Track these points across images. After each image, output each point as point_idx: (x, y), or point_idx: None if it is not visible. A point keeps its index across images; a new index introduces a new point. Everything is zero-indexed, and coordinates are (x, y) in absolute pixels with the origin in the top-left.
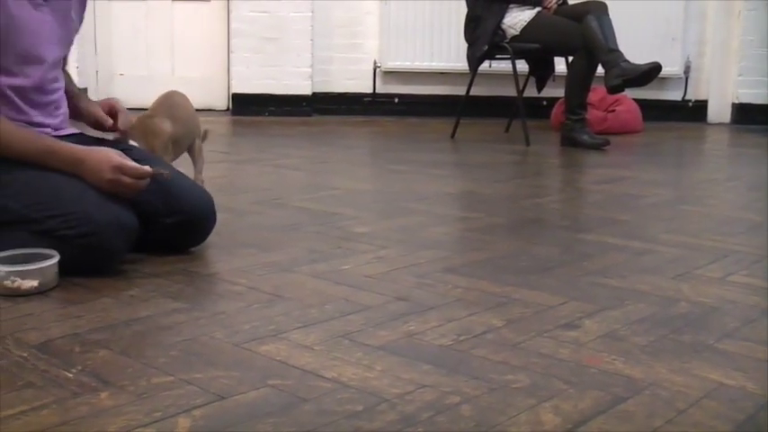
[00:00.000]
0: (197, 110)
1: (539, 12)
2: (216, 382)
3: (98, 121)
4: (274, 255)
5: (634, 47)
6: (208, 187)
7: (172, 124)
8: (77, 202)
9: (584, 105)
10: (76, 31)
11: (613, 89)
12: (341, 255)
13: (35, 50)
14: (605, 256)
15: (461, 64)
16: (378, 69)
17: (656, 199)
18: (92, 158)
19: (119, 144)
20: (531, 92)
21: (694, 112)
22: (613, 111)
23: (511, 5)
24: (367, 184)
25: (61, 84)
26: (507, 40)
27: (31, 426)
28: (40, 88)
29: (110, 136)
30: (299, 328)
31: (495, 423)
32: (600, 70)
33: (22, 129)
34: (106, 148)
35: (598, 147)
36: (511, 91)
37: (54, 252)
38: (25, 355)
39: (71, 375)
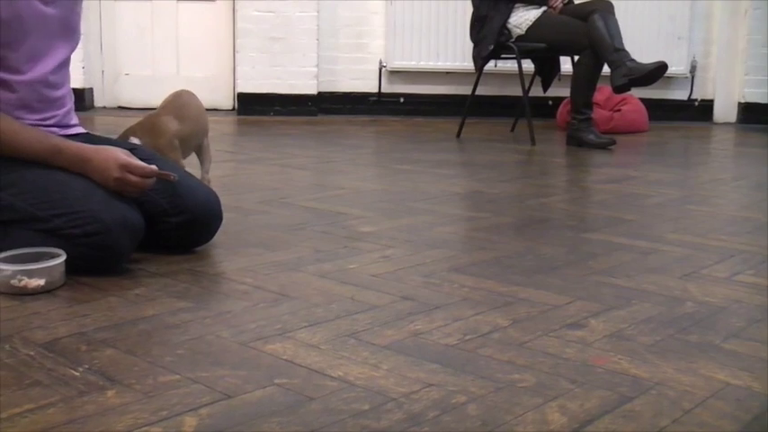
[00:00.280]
0: None
1: (544, 11)
2: (222, 380)
3: None
4: (280, 254)
5: (640, 46)
6: (214, 186)
7: (178, 123)
8: (84, 200)
9: (589, 105)
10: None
11: (619, 88)
12: (347, 254)
13: (43, 47)
14: (611, 255)
15: (467, 63)
16: (383, 69)
17: (662, 198)
18: (98, 157)
19: (125, 143)
20: (536, 91)
21: (700, 111)
22: (619, 110)
23: (516, 5)
24: (373, 183)
25: (68, 80)
26: (513, 40)
27: (37, 424)
28: (47, 84)
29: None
30: (306, 327)
31: (502, 422)
32: (606, 69)
33: (29, 128)
34: (113, 147)
35: (604, 146)
36: (516, 90)
37: (60, 251)
38: (32, 353)
39: (78, 374)
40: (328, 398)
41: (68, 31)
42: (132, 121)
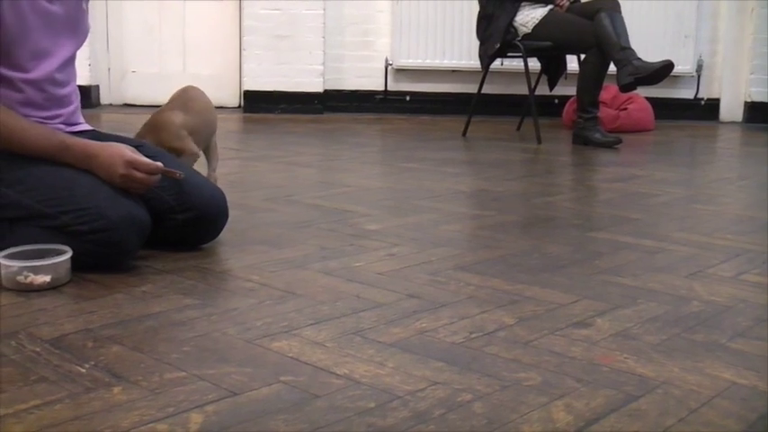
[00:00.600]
0: None
1: (551, 10)
2: (228, 378)
3: None
4: (286, 252)
5: (646, 45)
6: (220, 184)
7: (184, 115)
8: (91, 197)
9: (596, 103)
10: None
11: (625, 87)
12: (353, 252)
13: (48, 45)
14: (617, 254)
15: (473, 62)
16: (389, 67)
17: (668, 197)
18: (105, 153)
19: (131, 140)
20: (542, 90)
21: (706, 110)
22: (625, 109)
23: (523, 3)
24: (379, 181)
25: (74, 78)
26: (519, 38)
27: (44, 420)
28: (53, 82)
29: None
30: (311, 324)
31: (507, 421)
32: (612, 68)
33: (36, 125)
34: (119, 144)
35: (610, 145)
36: (523, 89)
37: (67, 248)
38: (38, 350)
39: (84, 370)
40: (334, 395)
41: (74, 29)
42: (138, 118)
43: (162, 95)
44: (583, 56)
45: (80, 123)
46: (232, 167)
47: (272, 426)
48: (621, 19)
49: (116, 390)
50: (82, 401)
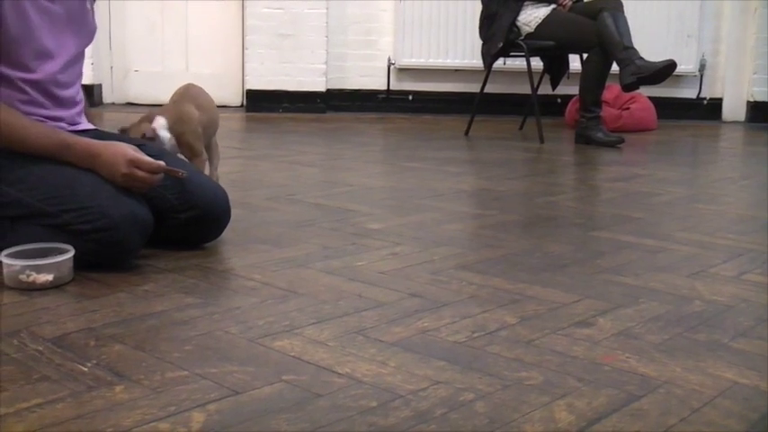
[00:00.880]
0: None
1: (554, 9)
2: (230, 377)
3: None
4: (288, 251)
5: (649, 44)
6: (222, 183)
7: (198, 111)
8: (93, 196)
9: (598, 103)
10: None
11: (628, 87)
12: (355, 251)
13: (51, 46)
14: (619, 253)
15: (476, 61)
16: (392, 66)
17: (670, 197)
18: (107, 152)
19: (133, 140)
20: (545, 89)
21: (709, 110)
22: (628, 108)
23: (526, 2)
24: (381, 180)
25: (79, 79)
26: (522, 38)
27: (46, 419)
28: (56, 82)
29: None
30: (313, 323)
31: (509, 420)
32: (614, 68)
33: (38, 124)
34: (121, 143)
35: (612, 144)
36: (525, 88)
37: (69, 246)
38: (40, 348)
39: (86, 369)
40: (336, 395)
41: (77, 28)
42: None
43: (164, 94)
44: (585, 55)
45: (82, 123)
46: (234, 166)
47: (274, 425)
48: (624, 18)
49: (118, 389)
50: (84, 400)
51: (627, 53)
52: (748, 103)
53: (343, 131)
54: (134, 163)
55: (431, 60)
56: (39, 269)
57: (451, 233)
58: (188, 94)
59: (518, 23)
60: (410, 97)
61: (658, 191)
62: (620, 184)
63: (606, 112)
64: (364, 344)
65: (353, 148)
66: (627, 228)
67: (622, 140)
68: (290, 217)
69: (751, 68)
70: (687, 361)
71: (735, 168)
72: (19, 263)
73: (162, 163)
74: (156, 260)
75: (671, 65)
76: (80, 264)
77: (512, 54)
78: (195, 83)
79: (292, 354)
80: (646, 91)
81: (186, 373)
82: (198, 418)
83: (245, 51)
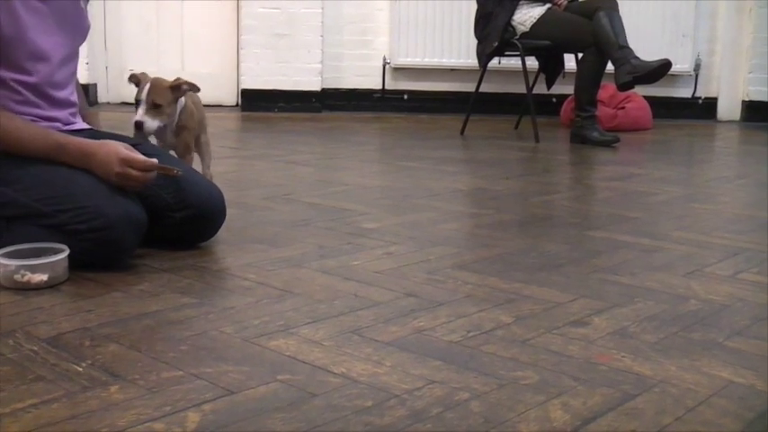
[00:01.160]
0: (206, 105)
1: (549, 8)
2: (225, 376)
3: None
4: (284, 250)
5: (644, 44)
6: (217, 182)
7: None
8: (89, 196)
9: (593, 102)
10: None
11: (623, 86)
12: (350, 250)
13: (44, 46)
14: (615, 253)
15: (471, 61)
16: (387, 66)
17: (666, 196)
18: (101, 152)
19: (127, 138)
20: (540, 89)
21: (704, 109)
22: (623, 108)
23: (521, 2)
24: (377, 180)
25: (73, 78)
26: (517, 37)
27: (41, 419)
28: (50, 83)
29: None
30: (309, 323)
31: (505, 419)
32: (610, 67)
33: (32, 125)
34: (114, 142)
35: (608, 144)
36: (520, 88)
37: (64, 246)
38: (35, 348)
39: (81, 369)
40: (331, 394)
41: (70, 28)
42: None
43: None
44: (581, 55)
45: (77, 122)
46: (230, 166)
47: (270, 424)
48: (619, 18)
49: (113, 389)
50: (79, 400)
51: (622, 52)
52: (743, 102)
53: (338, 131)
54: (127, 162)
55: (426, 60)
56: (33, 269)
57: (447, 232)
58: None
59: (513, 23)
60: (405, 97)
61: (654, 190)
62: (615, 184)
63: (602, 111)
64: (360, 343)
65: (349, 148)
66: (623, 227)
67: (618, 140)
68: (286, 216)
69: (746, 68)
70: (682, 360)
71: (730, 168)
72: (14, 263)
73: (155, 161)
74: (152, 260)
75: (666, 64)
76: (75, 263)
77: (507, 53)
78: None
79: (288, 353)
80: (641, 90)
81: (181, 372)
82: (193, 417)
83: (241, 51)
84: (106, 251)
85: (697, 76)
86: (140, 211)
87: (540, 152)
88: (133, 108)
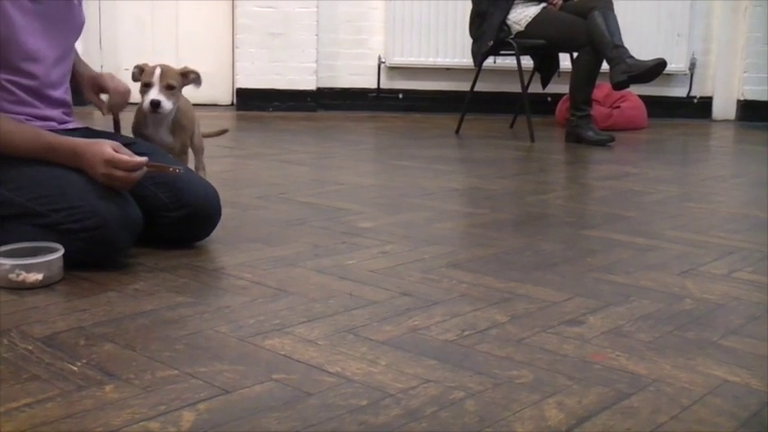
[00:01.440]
0: (202, 104)
1: (544, 7)
2: (220, 376)
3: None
4: (279, 249)
5: (639, 43)
6: (212, 181)
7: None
8: (82, 196)
9: (588, 101)
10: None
11: (618, 85)
12: (345, 250)
13: (36, 47)
14: (610, 252)
15: (466, 60)
16: (382, 65)
17: (661, 196)
18: (89, 151)
19: (121, 137)
20: (535, 88)
21: (699, 108)
22: (618, 107)
23: (516, 1)
24: (372, 179)
25: (67, 78)
26: (512, 36)
27: (36, 418)
28: (45, 83)
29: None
30: (304, 322)
31: (499, 418)
32: (605, 66)
33: (24, 127)
34: (102, 141)
35: (603, 143)
36: (515, 87)
37: (59, 245)
38: (30, 348)
39: (76, 368)
40: (326, 393)
41: (62, 26)
42: (131, 116)
43: None
44: (576, 54)
45: (72, 121)
46: (225, 165)
47: (265, 423)
48: (614, 17)
49: (108, 388)
50: (74, 400)
51: (617, 52)
52: (738, 101)
53: (333, 130)
54: (111, 162)
55: (421, 59)
56: (28, 268)
57: (442, 232)
58: None
59: (508, 22)
60: (400, 96)
61: (649, 189)
62: (610, 183)
63: (597, 110)
64: (355, 342)
65: (344, 147)
66: (618, 226)
67: (613, 139)
68: (281, 216)
69: (741, 67)
70: (677, 359)
71: (725, 167)
72: (8, 262)
73: (144, 159)
74: (147, 259)
75: (661, 63)
76: (70, 263)
77: (502, 53)
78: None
79: (282, 353)
80: (636, 89)
81: (176, 372)
82: (188, 417)
83: (236, 50)
84: (100, 250)
85: (692, 75)
86: (135, 210)
87: (536, 151)
88: (128, 107)
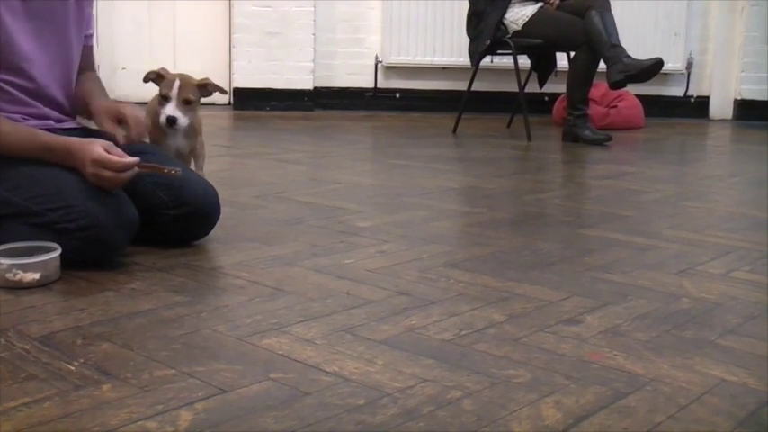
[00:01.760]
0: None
1: (541, 7)
2: (218, 375)
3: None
4: (277, 249)
5: (636, 42)
6: (210, 181)
7: None
8: (78, 195)
9: (585, 101)
10: (85, 23)
11: (615, 85)
12: (343, 249)
13: (31, 48)
14: (607, 251)
15: (463, 59)
16: (379, 64)
17: (658, 195)
18: (80, 151)
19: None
20: (532, 87)
21: (696, 108)
22: (615, 106)
23: (513, 1)
24: (369, 178)
25: (66, 78)
26: (509, 36)
27: (33, 418)
28: (41, 83)
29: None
30: (301, 321)
31: (497, 418)
32: (602, 66)
33: (20, 128)
34: (94, 140)
35: (600, 142)
36: (513, 86)
37: (56, 245)
38: (27, 347)
39: (73, 368)
40: (323, 393)
41: (55, 26)
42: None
43: (152, 93)
44: (573, 53)
45: (69, 120)
46: (222, 165)
47: (262, 423)
48: (612, 16)
49: (105, 387)
50: (71, 399)
51: (614, 51)
52: (735, 101)
53: (330, 129)
54: (99, 163)
55: (418, 58)
56: (25, 267)
57: (440, 231)
58: None
59: (505, 21)
60: (398, 95)
61: (647, 189)
62: (608, 182)
63: (594, 109)
64: (352, 342)
65: (341, 146)
66: (615, 225)
67: (610, 138)
68: (279, 215)
69: (738, 67)
70: (675, 358)
71: (723, 166)
72: (6, 261)
73: (134, 160)
74: (144, 258)
75: (658, 63)
76: (67, 262)
77: (499, 52)
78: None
79: (280, 352)
80: (633, 89)
81: (174, 371)
82: (185, 416)
83: (233, 49)
84: (96, 250)
85: (689, 74)
86: (131, 209)
87: (533, 151)
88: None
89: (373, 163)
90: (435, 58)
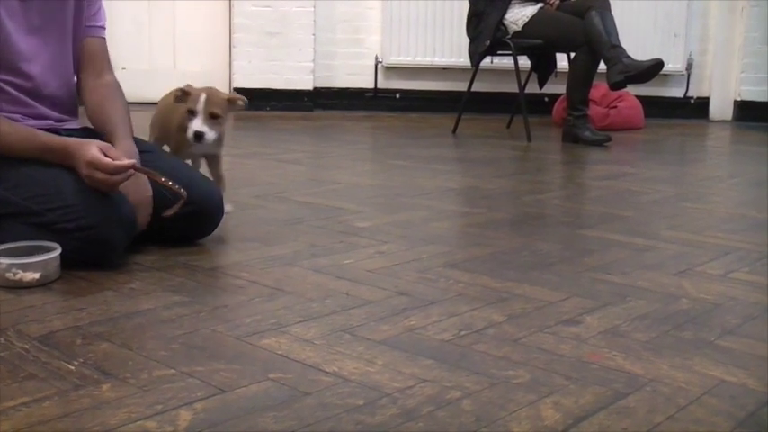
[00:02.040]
0: None
1: (541, 7)
2: (217, 375)
3: None
4: (276, 249)
5: (636, 43)
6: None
7: None
8: (77, 195)
9: (585, 101)
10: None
11: (615, 85)
12: (342, 249)
13: (28, 48)
14: (607, 252)
15: (463, 60)
16: (379, 65)
17: (658, 196)
18: (77, 152)
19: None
20: (532, 88)
21: (696, 109)
22: (615, 107)
23: (513, 1)
24: (369, 178)
25: (65, 77)
26: (509, 36)
27: (32, 417)
28: (40, 83)
29: None
30: (301, 322)
31: (496, 418)
32: (602, 66)
33: (19, 128)
34: (91, 142)
35: (600, 143)
36: (513, 87)
37: (56, 245)
38: (27, 347)
39: (73, 368)
40: (323, 393)
41: (54, 25)
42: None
43: (152, 93)
44: (573, 54)
45: (71, 121)
46: (222, 165)
47: (261, 423)
48: (611, 17)
49: (105, 387)
50: (70, 399)
51: (614, 52)
52: (735, 102)
53: (330, 130)
54: (92, 164)
55: (418, 59)
56: (25, 267)
57: (439, 231)
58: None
59: (505, 22)
60: (397, 96)
61: (646, 189)
62: (607, 183)
63: (593, 110)
64: (351, 342)
65: (341, 147)
66: (615, 226)
67: (610, 139)
68: (278, 215)
69: (738, 67)
70: (674, 359)
71: (722, 167)
72: (5, 261)
73: (129, 162)
74: (143, 258)
75: (658, 64)
76: (67, 262)
77: (499, 53)
78: (183, 81)
79: (279, 352)
80: (633, 90)
81: (173, 371)
82: (185, 416)
83: (233, 49)
84: (95, 250)
85: (689, 75)
86: (130, 209)
87: (532, 151)
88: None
89: (373, 163)
90: (435, 59)
